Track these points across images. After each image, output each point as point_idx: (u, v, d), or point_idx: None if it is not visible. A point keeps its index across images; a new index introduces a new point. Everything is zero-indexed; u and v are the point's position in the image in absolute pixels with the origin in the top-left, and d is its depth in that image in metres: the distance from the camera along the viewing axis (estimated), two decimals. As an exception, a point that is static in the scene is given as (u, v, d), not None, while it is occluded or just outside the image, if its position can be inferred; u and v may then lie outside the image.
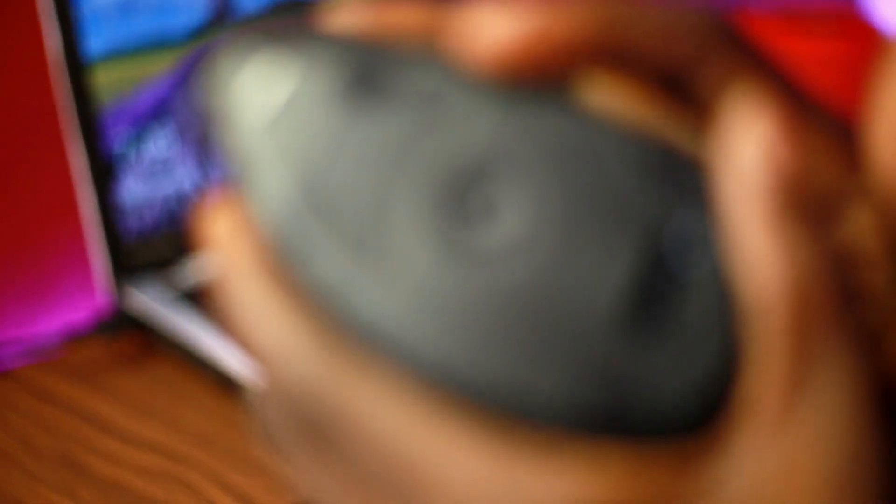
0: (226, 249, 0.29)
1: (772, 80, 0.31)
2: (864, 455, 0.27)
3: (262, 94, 0.30)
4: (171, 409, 0.91)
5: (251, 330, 0.29)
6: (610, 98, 0.32)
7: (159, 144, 1.00)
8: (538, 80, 0.29)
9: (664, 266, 0.28)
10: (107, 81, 0.97)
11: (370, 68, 0.30)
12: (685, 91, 0.31)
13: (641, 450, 0.27)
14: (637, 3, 0.31)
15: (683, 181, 0.29)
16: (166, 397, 0.92)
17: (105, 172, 0.97)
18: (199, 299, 0.98)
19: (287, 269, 0.29)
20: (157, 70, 0.99)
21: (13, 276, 1.05)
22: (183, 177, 1.01)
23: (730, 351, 0.27)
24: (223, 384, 0.94)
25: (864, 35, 1.23)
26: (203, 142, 1.01)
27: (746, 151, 0.28)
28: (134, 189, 0.99)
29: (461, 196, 0.29)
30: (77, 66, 0.95)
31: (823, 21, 1.27)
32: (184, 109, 0.99)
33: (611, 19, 0.29)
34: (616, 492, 0.27)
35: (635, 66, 0.30)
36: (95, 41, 0.96)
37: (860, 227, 0.31)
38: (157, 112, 0.99)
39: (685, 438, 0.27)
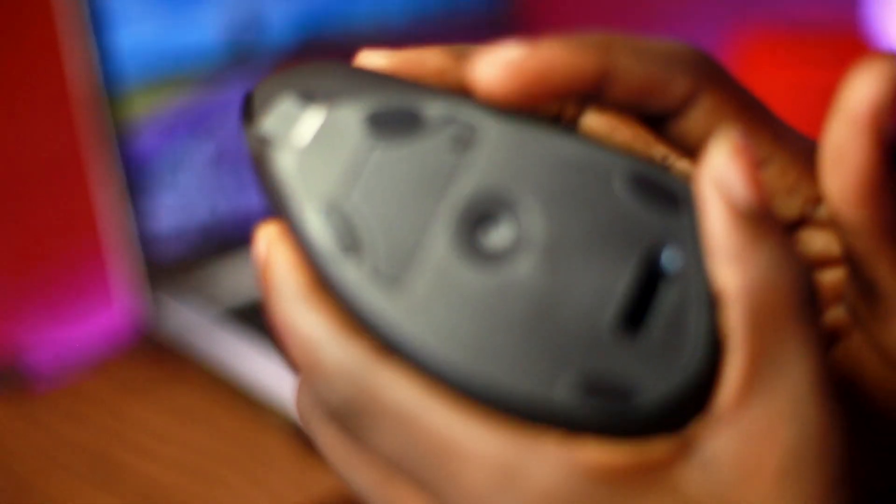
0: (274, 267, 0.32)
1: (748, 105, 0.33)
2: (823, 431, 0.29)
3: (291, 133, 0.32)
4: (199, 427, 0.91)
5: (298, 330, 0.31)
6: (603, 125, 0.35)
7: (193, 166, 0.99)
8: (544, 104, 0.32)
9: (656, 273, 0.31)
10: (139, 103, 0.96)
11: (392, 105, 0.32)
12: (664, 126, 0.33)
13: (633, 434, 0.29)
14: (633, 34, 0.33)
15: (673, 195, 0.31)
16: (192, 420, 0.92)
17: (138, 194, 0.97)
18: (232, 319, 0.97)
19: (327, 286, 0.31)
20: (188, 93, 0.98)
21: (44, 294, 1.04)
22: (216, 199, 1.01)
23: (709, 344, 0.30)
24: (252, 404, 0.93)
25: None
26: (247, 167, 1.01)
27: (715, 159, 0.30)
28: (167, 211, 0.99)
29: (481, 219, 0.31)
30: (108, 88, 0.95)
31: (823, 50, 1.26)
32: (218, 134, 0.99)
33: (611, 49, 0.32)
34: (607, 461, 0.29)
35: (629, 93, 0.32)
36: (127, 65, 0.95)
37: (823, 234, 0.34)
38: (192, 133, 0.99)
39: (674, 422, 0.30)
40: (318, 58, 1.05)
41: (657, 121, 0.33)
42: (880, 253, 0.31)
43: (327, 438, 0.32)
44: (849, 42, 1.27)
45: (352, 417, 0.30)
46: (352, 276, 0.30)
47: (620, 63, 0.32)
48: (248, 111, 0.33)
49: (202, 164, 1.00)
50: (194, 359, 0.97)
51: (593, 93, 0.32)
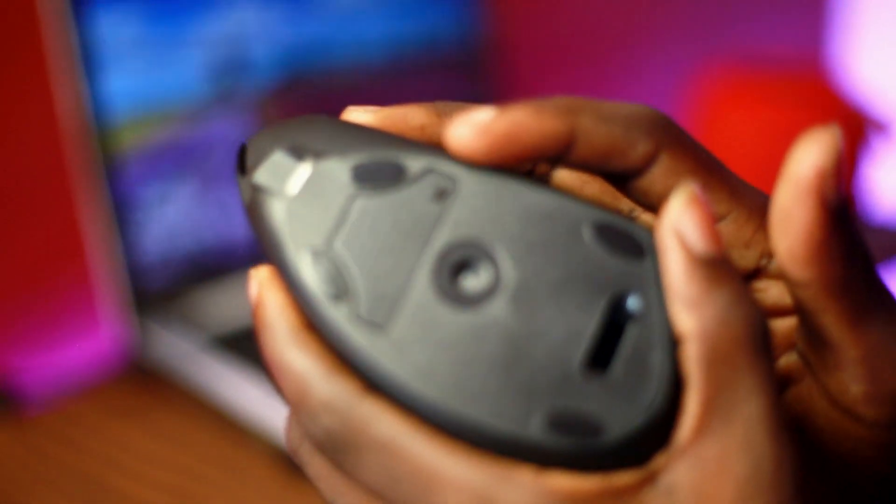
0: (266, 308, 0.33)
1: (706, 164, 0.35)
2: (775, 462, 0.31)
3: (282, 183, 0.33)
4: (186, 451, 0.90)
5: (288, 367, 0.32)
6: (574, 179, 0.37)
7: (179, 198, 1.00)
8: (514, 164, 0.33)
9: (622, 316, 0.32)
10: (127, 137, 0.96)
11: (377, 158, 0.33)
12: (627, 184, 0.35)
13: (601, 468, 0.31)
14: (597, 98, 0.35)
15: (638, 243, 0.33)
16: (179, 444, 0.92)
17: (126, 224, 0.97)
18: (217, 347, 0.97)
19: (315, 327, 0.32)
20: (174, 127, 0.99)
21: (33, 321, 1.04)
22: (202, 229, 1.01)
23: (670, 384, 0.31)
24: (236, 430, 0.93)
25: (828, 104, 1.22)
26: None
27: (673, 208, 0.32)
28: (154, 240, 0.99)
29: (459, 265, 0.32)
30: (97, 122, 0.95)
31: (787, 88, 1.26)
32: (203, 167, 1.00)
33: (576, 113, 0.33)
34: (576, 486, 0.30)
35: (594, 154, 0.34)
36: (115, 99, 0.96)
37: (778, 284, 0.36)
38: (178, 166, 0.99)
39: (638, 455, 0.31)
40: (299, 95, 1.06)
41: (621, 178, 0.35)
42: (826, 307, 0.33)
43: (315, 468, 0.34)
44: (812, 80, 1.27)
45: (338, 449, 0.32)
46: (337, 318, 0.32)
47: (585, 126, 0.33)
48: (242, 162, 0.34)
49: (188, 195, 1.00)
50: (181, 385, 0.97)
51: (560, 153, 0.33)
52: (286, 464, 0.89)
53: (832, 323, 0.33)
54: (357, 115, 0.35)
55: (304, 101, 1.07)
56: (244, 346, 0.97)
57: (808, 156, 0.32)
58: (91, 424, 0.94)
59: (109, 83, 0.95)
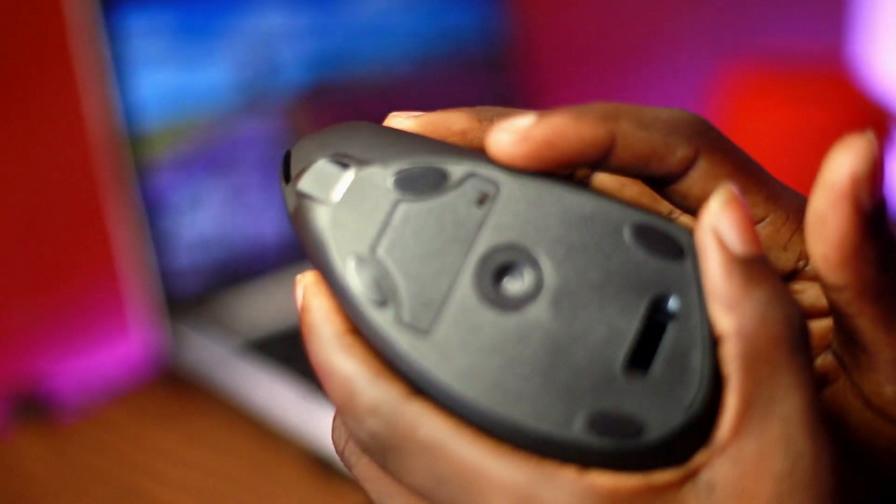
0: (312, 313, 0.34)
1: (744, 167, 0.35)
2: (813, 458, 0.31)
3: (326, 190, 0.33)
4: (219, 456, 0.91)
5: (334, 370, 0.33)
6: (613, 182, 0.37)
7: (210, 202, 1.00)
8: (556, 167, 0.34)
9: (663, 317, 0.33)
10: (157, 143, 0.97)
11: (419, 163, 0.33)
12: (666, 188, 0.35)
13: (642, 467, 0.31)
14: (637, 103, 0.35)
15: (678, 244, 0.33)
16: (212, 449, 0.92)
17: (157, 229, 0.98)
18: (249, 351, 0.97)
19: (360, 331, 0.33)
20: (204, 133, 0.99)
21: (65, 327, 1.04)
22: (232, 233, 1.02)
23: (710, 383, 0.32)
24: (269, 434, 0.93)
25: (851, 101, 1.22)
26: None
27: (712, 209, 0.32)
28: (185, 245, 1.00)
29: (502, 268, 0.33)
30: (128, 128, 0.96)
31: (809, 86, 1.25)
32: (233, 172, 1.00)
33: (616, 118, 0.34)
34: (617, 484, 0.31)
35: (633, 159, 0.34)
36: (146, 106, 0.96)
37: (815, 286, 0.36)
38: (208, 171, 1.00)
39: (679, 454, 0.31)
40: (327, 99, 1.06)
41: (660, 182, 0.35)
42: (860, 310, 0.33)
43: (362, 470, 0.34)
44: (834, 77, 1.27)
45: (384, 451, 0.32)
46: (382, 323, 0.32)
47: (625, 131, 0.33)
48: (286, 170, 0.35)
49: (218, 200, 1.01)
50: (213, 389, 0.97)
51: (600, 159, 0.34)
52: (319, 467, 0.90)
53: (866, 326, 0.33)
54: (399, 120, 0.36)
55: (332, 105, 1.07)
56: (276, 349, 0.97)
57: (844, 161, 0.32)
58: (124, 431, 0.95)
59: (139, 90, 0.96)
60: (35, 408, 0.97)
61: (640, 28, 1.43)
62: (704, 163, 0.34)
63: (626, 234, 0.33)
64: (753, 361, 0.31)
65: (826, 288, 0.33)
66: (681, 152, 0.34)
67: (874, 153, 0.32)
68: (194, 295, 1.01)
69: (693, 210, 0.35)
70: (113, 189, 1.05)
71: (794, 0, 1.61)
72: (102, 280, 1.06)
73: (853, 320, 0.33)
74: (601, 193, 0.34)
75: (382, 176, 0.33)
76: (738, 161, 0.35)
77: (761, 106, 1.24)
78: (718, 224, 0.32)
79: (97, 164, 1.04)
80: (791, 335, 0.32)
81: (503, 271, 0.33)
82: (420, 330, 0.32)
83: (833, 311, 0.34)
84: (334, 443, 0.35)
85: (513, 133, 0.33)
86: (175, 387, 1.00)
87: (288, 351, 0.97)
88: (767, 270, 0.32)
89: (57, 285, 1.04)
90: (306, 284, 0.34)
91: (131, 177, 0.96)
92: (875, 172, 0.32)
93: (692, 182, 0.35)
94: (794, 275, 0.36)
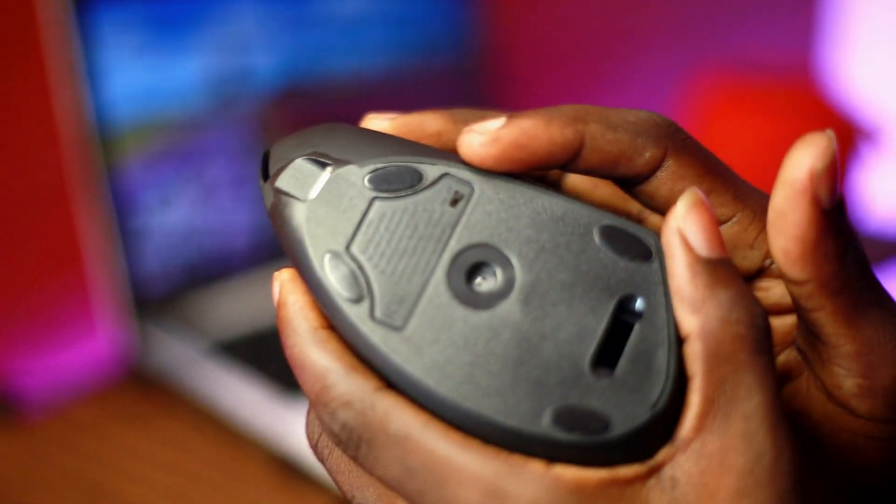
0: (288, 308, 0.34)
1: (712, 168, 0.36)
2: (774, 454, 0.32)
3: (303, 188, 0.34)
4: (185, 455, 0.90)
5: (308, 364, 0.33)
6: (585, 183, 0.37)
7: (179, 203, 1.00)
8: (526, 168, 0.34)
9: (630, 316, 0.33)
10: (127, 144, 0.96)
11: (394, 163, 0.34)
12: (634, 188, 0.36)
13: (607, 462, 0.32)
14: (604, 106, 0.35)
15: (646, 245, 0.33)
16: (179, 448, 0.92)
17: (126, 230, 0.97)
18: (217, 352, 0.96)
19: (334, 325, 0.33)
20: (175, 135, 0.99)
21: (33, 326, 1.04)
22: (202, 235, 1.01)
23: (674, 381, 0.32)
24: (235, 435, 0.93)
25: (818, 112, 1.22)
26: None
27: (678, 211, 0.33)
28: (154, 246, 0.99)
29: (473, 267, 0.33)
30: (98, 129, 0.95)
31: (779, 96, 1.26)
32: (203, 173, 0.99)
33: (584, 120, 0.34)
34: (583, 477, 0.31)
35: (602, 160, 0.34)
36: (116, 107, 0.96)
37: (781, 284, 0.37)
38: (178, 173, 0.99)
39: (644, 450, 0.32)
40: (298, 103, 1.06)
41: (629, 182, 0.35)
42: (820, 304, 0.34)
43: (334, 462, 0.35)
44: (802, 87, 1.27)
45: (356, 443, 0.33)
46: (356, 318, 0.33)
47: (593, 133, 0.34)
48: (265, 168, 0.35)
49: (188, 201, 1.00)
50: (180, 390, 0.97)
51: (569, 160, 0.34)
52: (285, 469, 0.89)
53: (827, 319, 0.34)
54: (376, 122, 0.36)
55: (303, 109, 1.07)
56: (243, 351, 0.97)
57: (802, 158, 0.32)
58: (91, 429, 0.94)
59: (110, 90, 0.96)
60: (2, 406, 0.96)
61: (612, 37, 1.44)
62: (672, 164, 0.35)
63: (596, 235, 0.33)
64: (717, 361, 0.32)
65: (787, 282, 0.34)
66: (648, 153, 0.35)
67: (833, 150, 0.32)
68: (163, 295, 1.01)
69: (661, 210, 0.36)
70: (82, 188, 1.04)
71: (765, 11, 1.62)
72: (71, 279, 1.06)
73: (814, 314, 0.34)
74: (571, 196, 0.34)
75: (359, 175, 0.34)
76: (706, 162, 0.35)
77: (730, 114, 1.24)
78: (684, 226, 0.33)
79: (67, 162, 1.04)
80: (754, 336, 0.32)
81: (475, 270, 0.33)
82: (393, 326, 0.32)
83: (795, 305, 0.35)
84: (308, 436, 0.36)
85: (483, 135, 0.34)
86: (142, 387, 1.00)
87: (255, 352, 0.97)
88: (732, 272, 0.33)
89: (25, 284, 1.04)
90: (283, 280, 0.34)
91: (101, 176, 0.96)
92: (833, 169, 0.32)
93: (660, 183, 0.35)
94: (760, 273, 0.37)
